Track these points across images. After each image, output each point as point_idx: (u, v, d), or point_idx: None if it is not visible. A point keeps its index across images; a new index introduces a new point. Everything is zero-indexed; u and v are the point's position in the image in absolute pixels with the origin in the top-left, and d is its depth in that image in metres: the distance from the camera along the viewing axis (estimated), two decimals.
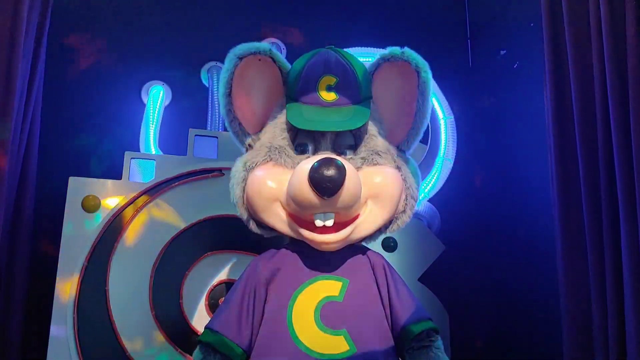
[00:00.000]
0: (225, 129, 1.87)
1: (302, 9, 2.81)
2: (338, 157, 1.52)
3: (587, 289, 1.91)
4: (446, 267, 2.42)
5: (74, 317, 1.99)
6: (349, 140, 1.65)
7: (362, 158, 1.62)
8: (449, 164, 2.59)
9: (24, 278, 2.14)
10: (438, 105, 2.64)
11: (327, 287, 1.58)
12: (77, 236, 2.07)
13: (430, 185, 2.52)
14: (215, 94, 2.42)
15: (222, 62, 1.75)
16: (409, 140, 1.70)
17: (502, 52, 2.69)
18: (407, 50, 1.65)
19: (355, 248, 1.68)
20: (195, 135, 2.29)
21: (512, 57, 2.62)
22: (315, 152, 1.63)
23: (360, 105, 1.64)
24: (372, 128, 1.65)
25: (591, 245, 1.89)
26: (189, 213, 2.17)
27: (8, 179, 2.00)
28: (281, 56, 1.74)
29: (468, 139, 2.74)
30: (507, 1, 2.71)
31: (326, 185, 1.45)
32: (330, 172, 1.45)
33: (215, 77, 2.51)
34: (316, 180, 1.45)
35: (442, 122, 2.63)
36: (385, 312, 1.59)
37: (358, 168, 1.59)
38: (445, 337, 1.63)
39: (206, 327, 1.60)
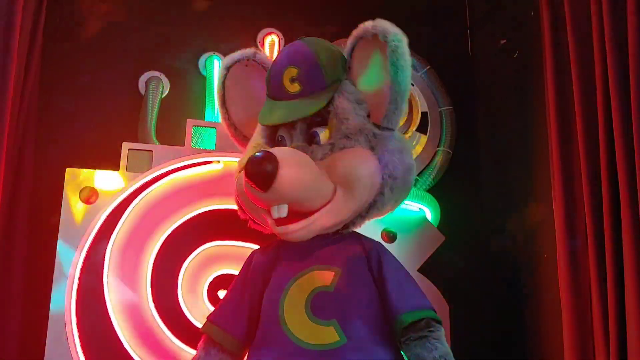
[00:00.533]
0: None
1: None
2: (271, 149, 1.47)
3: (588, 282, 1.91)
4: (446, 257, 2.41)
5: (72, 312, 1.98)
6: (321, 128, 1.59)
7: (330, 144, 1.56)
8: (449, 155, 2.58)
9: (21, 272, 2.13)
10: (437, 95, 2.63)
11: (319, 277, 1.55)
12: (74, 229, 2.06)
13: (430, 176, 2.51)
14: (214, 85, 2.41)
15: (221, 52, 1.74)
16: (389, 115, 1.56)
17: (502, 42, 2.67)
18: (378, 22, 1.53)
19: (350, 236, 1.64)
20: (193, 126, 2.28)
21: (513, 47, 2.60)
22: (290, 144, 1.61)
23: (325, 91, 1.59)
24: (344, 111, 1.58)
25: (592, 238, 1.88)
26: (188, 204, 2.16)
27: (4, 171, 1.99)
28: (266, 57, 1.74)
29: (468, 129, 2.72)
30: None
31: (256, 177, 1.41)
32: (257, 163, 1.40)
33: (214, 68, 2.49)
34: (248, 172, 1.43)
35: (441, 113, 2.62)
36: (379, 300, 1.57)
37: (326, 155, 1.54)
38: (445, 328, 1.59)
39: (207, 319, 1.61)
